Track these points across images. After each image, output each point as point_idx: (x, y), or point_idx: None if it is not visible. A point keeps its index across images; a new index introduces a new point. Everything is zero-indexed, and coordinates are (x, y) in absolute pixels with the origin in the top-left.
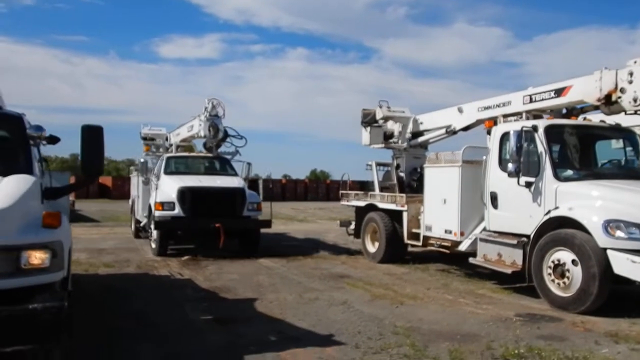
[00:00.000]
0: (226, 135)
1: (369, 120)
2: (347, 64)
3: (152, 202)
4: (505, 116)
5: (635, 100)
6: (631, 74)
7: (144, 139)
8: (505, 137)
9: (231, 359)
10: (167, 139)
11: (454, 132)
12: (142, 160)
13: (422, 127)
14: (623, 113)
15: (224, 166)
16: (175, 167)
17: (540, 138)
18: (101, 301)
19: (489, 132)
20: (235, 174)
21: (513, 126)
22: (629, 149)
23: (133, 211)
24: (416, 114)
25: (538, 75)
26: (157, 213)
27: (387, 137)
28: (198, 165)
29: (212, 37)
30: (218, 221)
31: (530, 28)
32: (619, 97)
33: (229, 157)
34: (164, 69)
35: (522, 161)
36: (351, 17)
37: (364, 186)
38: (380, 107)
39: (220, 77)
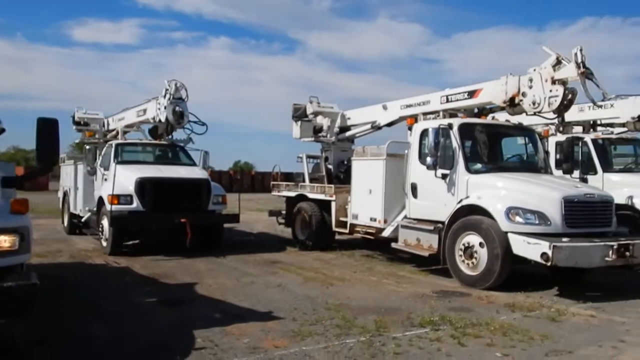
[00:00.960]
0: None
1: (299, 114)
2: (272, 55)
3: (103, 194)
4: (425, 114)
5: (534, 103)
6: (531, 80)
7: (77, 123)
8: (424, 133)
9: (182, 333)
10: (105, 125)
11: (379, 128)
12: (87, 147)
13: (349, 122)
14: (525, 114)
15: (181, 155)
16: (128, 155)
17: (454, 135)
18: (40, 288)
19: (410, 129)
20: (194, 164)
21: (431, 124)
22: (529, 145)
23: (66, 204)
24: (344, 110)
25: (456, 72)
26: (111, 207)
27: (317, 131)
28: (152, 153)
29: (131, 22)
30: (183, 216)
31: (448, 26)
32: (521, 100)
33: (181, 144)
34: (78, 53)
35: (438, 155)
36: (276, 8)
37: (289, 177)
38: (311, 102)
39: (139, 63)
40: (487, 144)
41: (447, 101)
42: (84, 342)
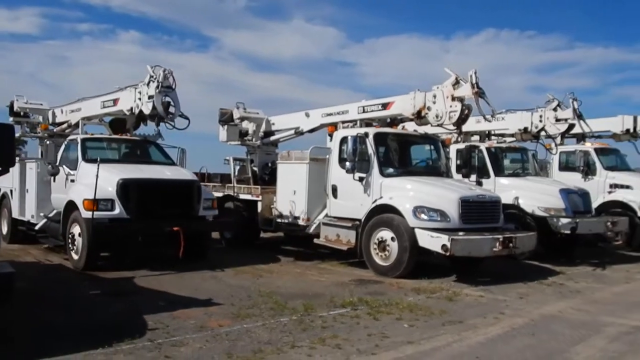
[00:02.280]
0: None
1: (225, 119)
2: (185, 52)
3: (75, 198)
4: (344, 122)
5: (437, 116)
6: (434, 97)
7: (16, 114)
8: (344, 140)
9: (134, 318)
10: (50, 117)
11: (302, 133)
12: (48, 142)
13: (273, 127)
14: (430, 125)
15: (156, 152)
16: (96, 152)
17: (370, 142)
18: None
19: (330, 136)
20: (174, 163)
21: (350, 132)
22: (433, 152)
23: (3, 209)
24: (269, 115)
25: (369, 75)
26: (87, 214)
27: (242, 135)
28: (125, 150)
29: (30, 11)
30: (174, 223)
31: (362, 31)
32: (427, 113)
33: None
34: None
35: (356, 160)
36: (189, 3)
37: (212, 179)
38: (237, 108)
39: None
40: (398, 150)
41: (364, 111)
42: (44, 329)
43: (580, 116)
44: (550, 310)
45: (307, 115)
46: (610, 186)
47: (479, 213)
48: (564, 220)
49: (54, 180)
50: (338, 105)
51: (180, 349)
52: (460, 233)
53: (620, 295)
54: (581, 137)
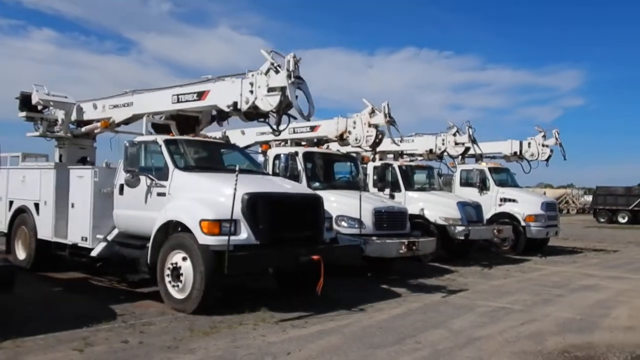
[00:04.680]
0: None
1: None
2: (104, 53)
3: (183, 218)
4: (277, 142)
5: (356, 139)
6: (354, 123)
7: (32, 108)
8: (277, 158)
9: (103, 307)
10: (75, 113)
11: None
12: (127, 144)
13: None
14: (350, 146)
15: (248, 160)
16: (187, 160)
17: (299, 160)
18: None
19: (264, 153)
20: (268, 173)
21: (282, 150)
22: (353, 169)
23: (22, 227)
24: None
25: None
26: (208, 240)
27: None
28: (213, 157)
29: None
30: (310, 250)
31: (289, 42)
32: (348, 137)
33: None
34: None
35: (287, 175)
36: (108, 4)
37: None
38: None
39: None
40: (323, 167)
41: (294, 132)
42: (23, 319)
43: (474, 141)
44: (440, 298)
45: (243, 133)
46: (501, 200)
47: (389, 221)
48: (459, 228)
49: (121, 193)
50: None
51: (150, 327)
52: (374, 238)
53: (496, 287)
54: (479, 157)
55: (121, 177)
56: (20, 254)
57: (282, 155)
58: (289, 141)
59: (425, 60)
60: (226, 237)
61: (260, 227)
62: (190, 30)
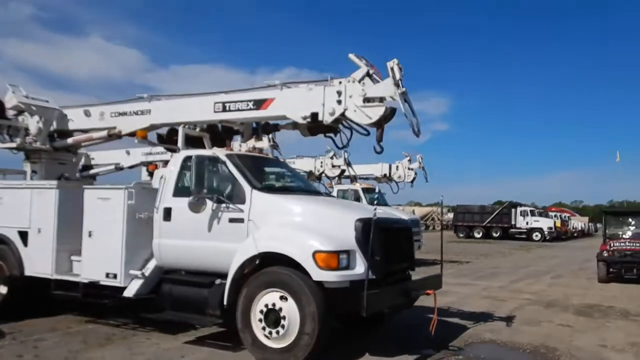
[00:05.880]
0: None
1: None
2: None
3: (287, 249)
4: (164, 162)
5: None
6: (240, 146)
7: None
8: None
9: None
10: (59, 120)
11: (121, 169)
12: (193, 157)
13: (72, 126)
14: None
15: (301, 178)
16: (266, 179)
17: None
18: None
19: (150, 173)
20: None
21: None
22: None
23: None
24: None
25: None
26: (322, 275)
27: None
28: (267, 175)
29: None
30: (420, 284)
31: (167, 56)
32: None
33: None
34: None
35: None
36: None
37: None
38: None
39: None
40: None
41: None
42: None
43: (349, 164)
44: None
45: (128, 153)
46: None
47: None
48: None
49: (167, 219)
50: (159, 147)
51: (42, 342)
52: None
53: None
54: (353, 178)
55: (166, 199)
56: None
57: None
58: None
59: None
60: (344, 272)
61: (376, 259)
62: (58, 38)
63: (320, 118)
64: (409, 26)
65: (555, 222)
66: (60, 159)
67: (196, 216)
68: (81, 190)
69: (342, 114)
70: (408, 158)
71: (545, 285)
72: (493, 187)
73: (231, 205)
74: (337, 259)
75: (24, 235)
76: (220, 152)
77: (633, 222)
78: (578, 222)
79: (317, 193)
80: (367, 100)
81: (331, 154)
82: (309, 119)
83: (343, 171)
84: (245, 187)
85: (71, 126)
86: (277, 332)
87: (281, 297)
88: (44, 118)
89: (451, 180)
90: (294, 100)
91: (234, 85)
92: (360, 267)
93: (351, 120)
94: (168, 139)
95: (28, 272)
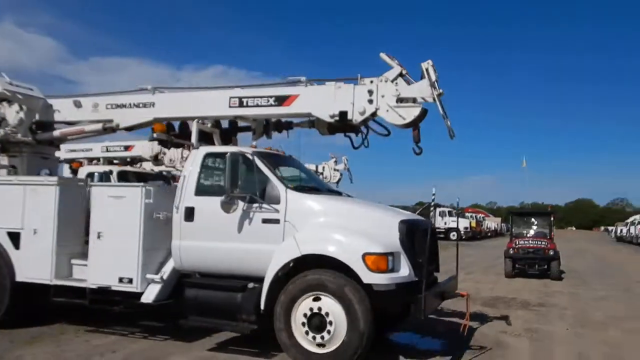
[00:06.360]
0: None
1: None
2: None
3: (313, 249)
4: (88, 159)
5: (171, 160)
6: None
7: None
8: (89, 176)
9: None
10: (44, 111)
11: None
12: (228, 154)
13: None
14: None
15: (315, 176)
16: (293, 178)
17: (113, 178)
18: None
19: (74, 171)
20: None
21: (97, 168)
22: None
23: None
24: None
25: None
26: (373, 277)
27: None
28: (292, 175)
29: None
30: (449, 286)
31: (86, 47)
32: (162, 157)
33: None
34: None
35: None
36: None
37: None
38: None
39: None
40: None
41: (107, 151)
42: None
43: None
44: None
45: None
46: None
47: None
48: None
49: (189, 219)
50: (83, 145)
51: None
52: None
53: None
54: None
55: (188, 198)
56: None
57: (96, 174)
58: (101, 159)
59: (235, 79)
60: (392, 275)
61: (419, 261)
62: None
63: (349, 117)
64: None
65: (470, 222)
66: (42, 152)
67: (224, 216)
68: (81, 188)
69: (373, 114)
70: (334, 159)
71: (459, 281)
72: (415, 188)
73: (265, 205)
74: (386, 261)
75: (14, 237)
76: (247, 150)
77: (536, 222)
78: (492, 222)
79: (339, 193)
80: (399, 100)
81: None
82: (337, 118)
83: None
84: (279, 186)
85: (57, 117)
86: (322, 337)
87: (326, 301)
88: (27, 108)
89: (374, 182)
90: (321, 98)
91: (160, 81)
92: (405, 269)
93: (381, 120)
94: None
95: (20, 277)
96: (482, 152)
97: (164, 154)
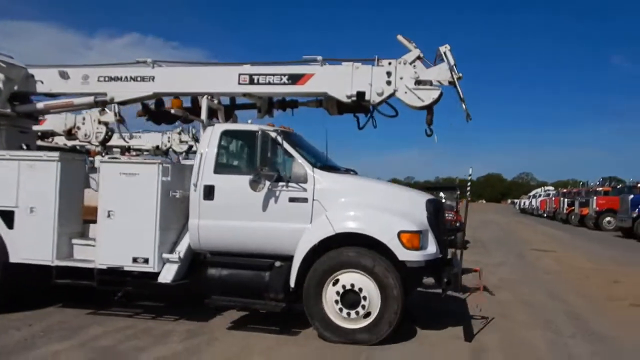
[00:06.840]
0: None
1: None
2: None
3: (348, 227)
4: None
5: (85, 135)
6: (84, 119)
7: None
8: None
9: None
10: (24, 82)
11: None
12: (260, 132)
13: (40, 88)
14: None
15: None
16: (311, 155)
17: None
18: None
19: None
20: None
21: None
22: None
23: None
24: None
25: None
26: (408, 254)
27: None
28: (314, 154)
29: None
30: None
31: None
32: (76, 132)
33: None
34: None
35: None
36: None
37: None
38: None
39: None
40: None
41: None
42: None
43: (196, 139)
44: None
45: None
46: None
47: None
48: None
49: (209, 197)
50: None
51: None
52: None
53: None
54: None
55: (207, 176)
56: None
57: None
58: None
59: (151, 48)
60: (423, 252)
61: (443, 238)
62: None
63: (367, 98)
64: None
65: None
66: (21, 126)
67: (248, 194)
68: (82, 165)
69: (391, 95)
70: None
71: None
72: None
73: (292, 184)
74: (419, 238)
75: (7, 216)
76: (270, 129)
77: (444, 196)
78: None
79: (354, 171)
80: (417, 83)
81: (179, 129)
82: (354, 98)
83: (191, 147)
84: (305, 165)
85: (40, 89)
86: (357, 313)
87: (358, 277)
88: (5, 77)
89: None
90: (337, 78)
91: (71, 48)
92: (432, 247)
93: (396, 102)
94: (157, 111)
95: (14, 258)
96: (407, 128)
97: (78, 128)
